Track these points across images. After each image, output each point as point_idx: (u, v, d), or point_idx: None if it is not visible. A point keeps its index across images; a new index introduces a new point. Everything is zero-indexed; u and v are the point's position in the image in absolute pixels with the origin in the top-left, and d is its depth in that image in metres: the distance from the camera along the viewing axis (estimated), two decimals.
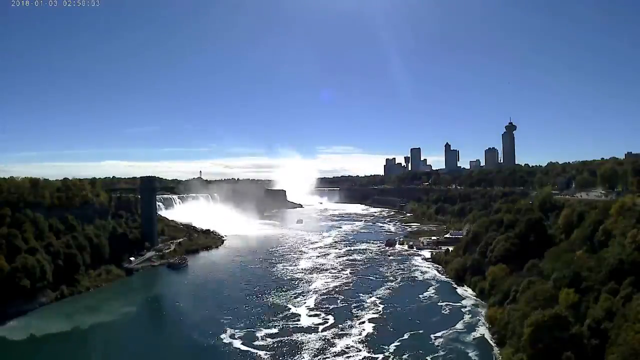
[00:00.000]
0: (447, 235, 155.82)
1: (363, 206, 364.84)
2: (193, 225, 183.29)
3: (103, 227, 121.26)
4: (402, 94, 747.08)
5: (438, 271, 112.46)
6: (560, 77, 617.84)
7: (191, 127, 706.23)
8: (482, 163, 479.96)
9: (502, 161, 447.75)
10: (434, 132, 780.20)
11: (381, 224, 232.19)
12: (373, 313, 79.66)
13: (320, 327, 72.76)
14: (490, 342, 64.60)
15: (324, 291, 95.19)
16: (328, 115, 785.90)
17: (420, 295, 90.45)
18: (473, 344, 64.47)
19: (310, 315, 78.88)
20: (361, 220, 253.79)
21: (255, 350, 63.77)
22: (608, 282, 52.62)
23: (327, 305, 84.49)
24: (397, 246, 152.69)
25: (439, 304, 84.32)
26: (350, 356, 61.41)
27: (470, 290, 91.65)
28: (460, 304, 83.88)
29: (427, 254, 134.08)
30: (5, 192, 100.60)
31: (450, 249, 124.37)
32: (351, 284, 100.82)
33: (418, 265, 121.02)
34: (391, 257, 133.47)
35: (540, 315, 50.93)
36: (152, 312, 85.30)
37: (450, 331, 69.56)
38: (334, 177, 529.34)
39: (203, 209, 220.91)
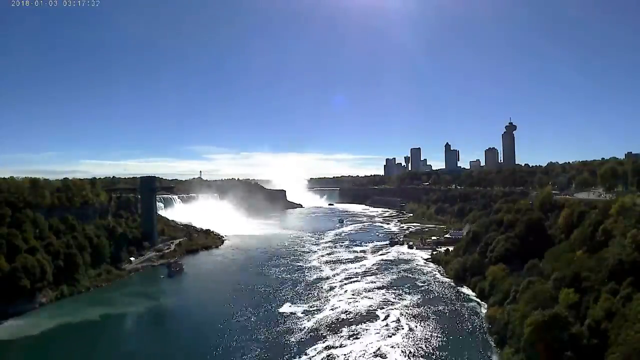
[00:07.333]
0: (447, 235, 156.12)
1: (363, 206, 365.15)
2: (193, 225, 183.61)
3: (103, 227, 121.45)
4: (403, 94, 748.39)
5: (438, 271, 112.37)
6: (560, 77, 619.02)
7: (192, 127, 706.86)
8: (482, 163, 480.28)
9: (502, 161, 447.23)
10: (434, 132, 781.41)
11: (381, 224, 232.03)
12: (372, 313, 79.62)
13: (319, 326, 72.81)
14: (490, 342, 64.52)
15: (323, 291, 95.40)
16: (329, 115, 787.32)
17: (420, 295, 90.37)
18: (473, 344, 64.39)
19: (309, 313, 78.88)
20: (361, 220, 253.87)
21: (254, 349, 63.76)
22: (608, 282, 52.46)
23: (325, 306, 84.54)
24: (397, 246, 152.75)
25: (438, 304, 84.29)
26: (348, 357, 61.36)
27: (470, 290, 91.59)
28: (460, 304, 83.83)
29: (426, 254, 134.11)
30: (5, 192, 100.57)
31: (450, 249, 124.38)
32: (350, 284, 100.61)
33: (418, 265, 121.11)
34: (391, 257, 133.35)
35: (540, 315, 50.81)
36: (152, 312, 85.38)
37: (450, 331, 69.48)
38: (334, 177, 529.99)
39: (203, 209, 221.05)
